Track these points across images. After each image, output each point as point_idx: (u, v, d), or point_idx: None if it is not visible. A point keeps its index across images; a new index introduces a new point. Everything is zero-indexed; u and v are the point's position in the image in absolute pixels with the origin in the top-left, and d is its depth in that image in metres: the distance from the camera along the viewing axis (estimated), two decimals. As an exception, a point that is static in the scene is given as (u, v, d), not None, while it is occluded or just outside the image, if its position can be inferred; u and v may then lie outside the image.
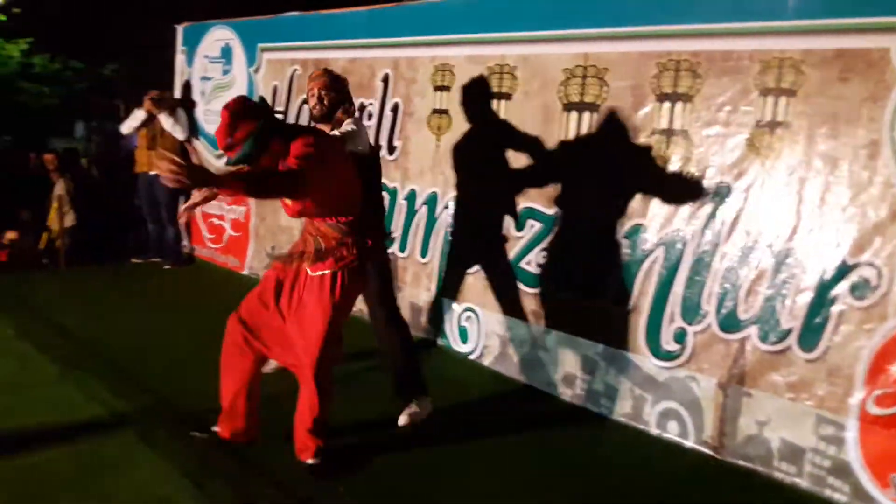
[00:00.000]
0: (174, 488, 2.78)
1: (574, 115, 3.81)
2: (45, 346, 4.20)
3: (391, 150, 4.87)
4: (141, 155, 6.35)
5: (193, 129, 6.57)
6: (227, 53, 6.30)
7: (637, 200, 3.57)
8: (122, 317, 4.97)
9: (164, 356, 4.24)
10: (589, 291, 3.74)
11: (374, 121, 4.98)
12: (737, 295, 3.23)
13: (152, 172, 6.22)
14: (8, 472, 2.83)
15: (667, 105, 3.46)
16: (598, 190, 3.74)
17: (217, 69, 6.39)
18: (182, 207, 3.08)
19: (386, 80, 4.92)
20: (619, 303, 3.61)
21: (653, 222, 3.51)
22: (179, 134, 6.26)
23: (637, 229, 3.56)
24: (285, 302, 3.04)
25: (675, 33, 3.44)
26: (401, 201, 4.80)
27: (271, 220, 5.89)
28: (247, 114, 2.66)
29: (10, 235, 6.44)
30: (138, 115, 6.22)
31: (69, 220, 6.73)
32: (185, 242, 6.75)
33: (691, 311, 3.37)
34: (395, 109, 4.87)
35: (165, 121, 6.17)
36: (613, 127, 3.65)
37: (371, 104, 5.01)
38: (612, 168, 3.69)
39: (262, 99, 3.94)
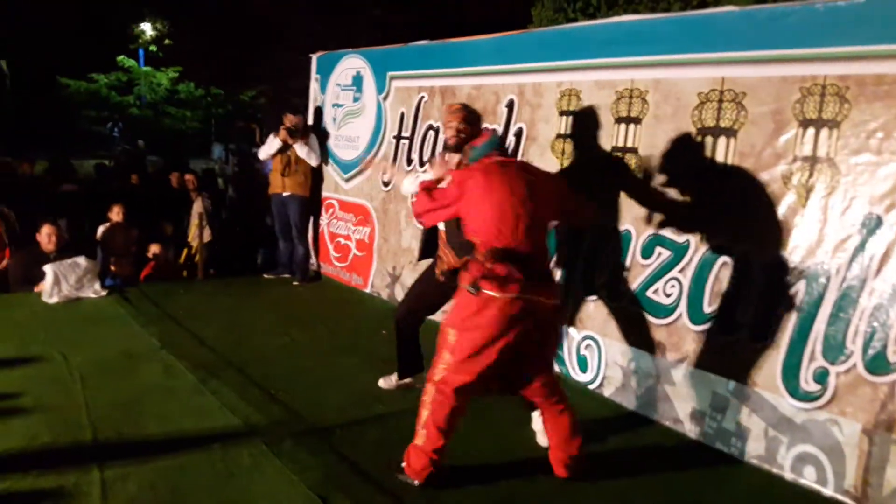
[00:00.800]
0: (299, 499, 2.88)
1: (709, 139, 3.68)
2: (185, 355, 4.49)
3: (514, 174, 4.88)
4: (275, 178, 6.66)
5: (325, 155, 6.88)
6: (357, 81, 6.56)
7: (776, 230, 3.39)
8: (254, 329, 5.25)
9: (293, 368, 4.43)
10: (722, 325, 3.57)
11: (497, 145, 5.01)
12: (886, 335, 2.98)
13: (286, 194, 6.58)
14: (149, 474, 3.03)
15: (811, 131, 3.27)
16: (732, 218, 3.57)
17: (348, 96, 6.67)
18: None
19: (511, 105, 4.95)
20: (754, 338, 3.42)
21: (793, 254, 3.32)
22: (313, 161, 6.60)
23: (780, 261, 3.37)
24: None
25: (820, 56, 3.25)
26: (522, 226, 4.78)
27: (394, 240, 6.04)
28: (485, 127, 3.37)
29: (155, 249, 6.96)
30: (275, 143, 6.54)
31: (207, 236, 7.20)
32: (312, 260, 7.03)
33: (834, 349, 3.14)
34: (518, 134, 4.89)
35: (300, 149, 6.50)
36: (751, 153, 3.49)
37: (495, 129, 5.05)
38: (748, 196, 3.52)
39: None
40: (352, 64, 6.68)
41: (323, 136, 6.93)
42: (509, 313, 2.92)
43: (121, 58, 18.28)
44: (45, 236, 5.87)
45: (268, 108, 17.79)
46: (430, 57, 5.80)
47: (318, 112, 7.12)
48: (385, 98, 6.22)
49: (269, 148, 6.63)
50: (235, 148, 16.65)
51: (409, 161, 5.88)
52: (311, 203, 6.85)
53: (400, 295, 5.95)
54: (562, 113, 4.56)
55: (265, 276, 6.91)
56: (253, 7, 16.87)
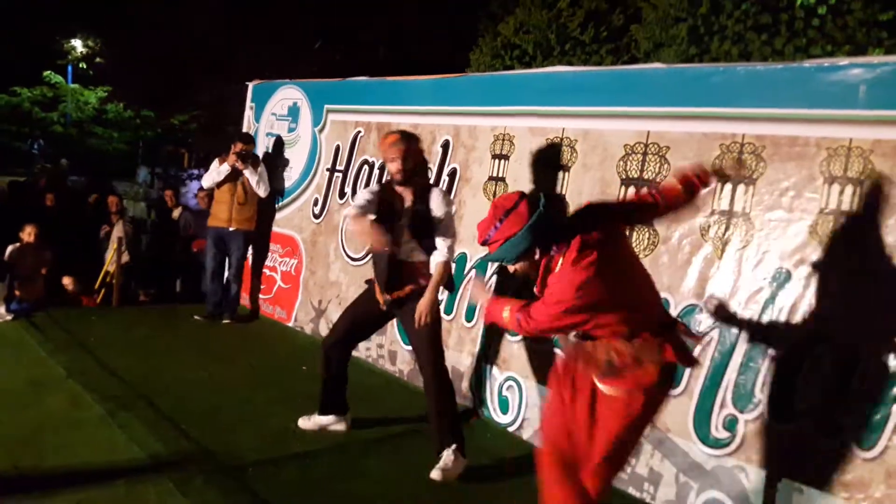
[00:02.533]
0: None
1: (633, 189, 3.80)
2: (94, 386, 4.28)
3: (445, 213, 4.92)
4: (220, 209, 6.25)
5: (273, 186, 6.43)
6: (294, 112, 6.52)
7: (693, 280, 3.51)
8: (169, 360, 5.05)
9: (207, 403, 4.27)
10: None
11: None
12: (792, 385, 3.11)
13: (231, 228, 6.21)
14: (48, 510, 2.85)
15: (728, 186, 3.43)
16: (652, 265, 3.68)
17: (283, 126, 6.61)
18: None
19: (446, 145, 5.00)
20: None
21: (709, 304, 3.44)
22: (262, 191, 6.23)
23: (692, 310, 3.48)
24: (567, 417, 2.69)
25: (740, 116, 3.44)
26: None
27: (321, 274, 5.96)
28: (515, 214, 2.45)
29: (67, 281, 6.56)
30: (222, 170, 6.13)
31: (126, 261, 6.92)
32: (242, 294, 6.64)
33: (744, 398, 3.25)
34: (452, 174, 4.94)
35: (251, 176, 6.15)
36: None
37: (429, 169, 5.09)
38: (668, 245, 3.65)
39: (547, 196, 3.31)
40: (289, 94, 6.64)
41: (270, 165, 6.49)
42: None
43: (47, 73, 17.67)
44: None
45: (199, 134, 17.45)
46: (368, 93, 5.83)
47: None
48: (321, 130, 6.19)
49: (216, 175, 6.17)
50: (162, 172, 16.22)
51: (342, 194, 5.85)
52: (258, 238, 6.46)
53: (324, 330, 5.85)
54: (494, 156, 4.64)
55: (195, 317, 6.29)
56: (190, 32, 16.65)
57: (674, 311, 3.54)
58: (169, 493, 3.08)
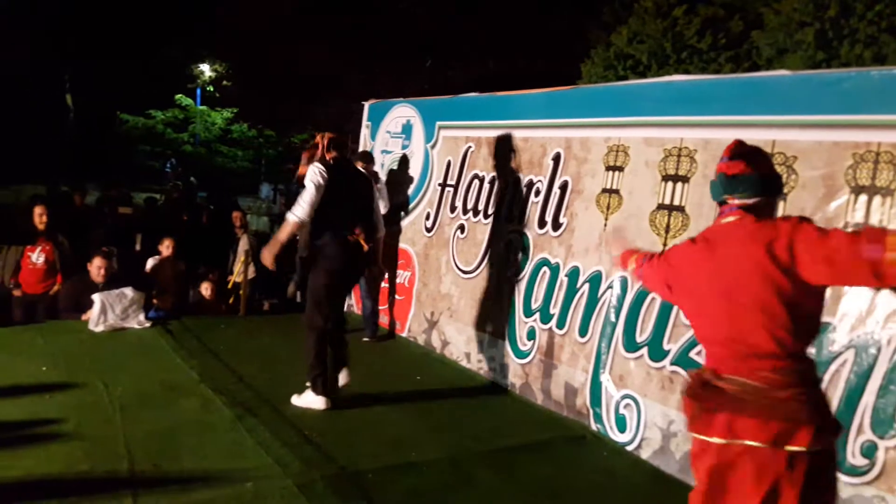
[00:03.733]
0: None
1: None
2: (223, 391, 4.53)
3: (556, 226, 4.90)
4: None
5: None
6: (407, 129, 6.70)
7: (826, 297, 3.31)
8: (292, 368, 5.25)
9: (331, 411, 4.41)
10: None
11: (540, 197, 5.05)
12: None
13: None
14: (180, 508, 3.05)
15: (863, 198, 3.23)
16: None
17: (397, 143, 6.80)
18: None
19: (557, 158, 4.99)
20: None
21: (843, 322, 3.23)
22: (382, 207, 6.12)
23: (825, 329, 3.29)
24: None
25: (874, 123, 3.23)
26: (562, 277, 4.78)
27: (433, 286, 6.07)
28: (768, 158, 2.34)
29: (206, 290, 7.06)
30: None
31: (252, 273, 7.32)
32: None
33: (884, 423, 3.03)
34: (563, 187, 4.91)
35: None
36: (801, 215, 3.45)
37: (540, 181, 5.09)
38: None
39: None
40: (402, 112, 6.83)
41: (394, 181, 6.55)
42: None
43: (178, 96, 18.99)
44: (96, 267, 6.04)
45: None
46: (478, 108, 5.91)
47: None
48: (433, 147, 6.33)
49: None
50: (284, 188, 17.03)
51: (453, 208, 5.94)
52: (386, 255, 6.33)
53: (436, 341, 5.95)
54: (608, 168, 4.58)
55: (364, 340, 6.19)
56: (307, 56, 17.46)
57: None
58: (293, 495, 3.22)
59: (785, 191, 3.52)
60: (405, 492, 3.42)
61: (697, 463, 2.23)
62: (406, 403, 4.65)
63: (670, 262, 2.41)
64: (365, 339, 6.23)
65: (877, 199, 3.20)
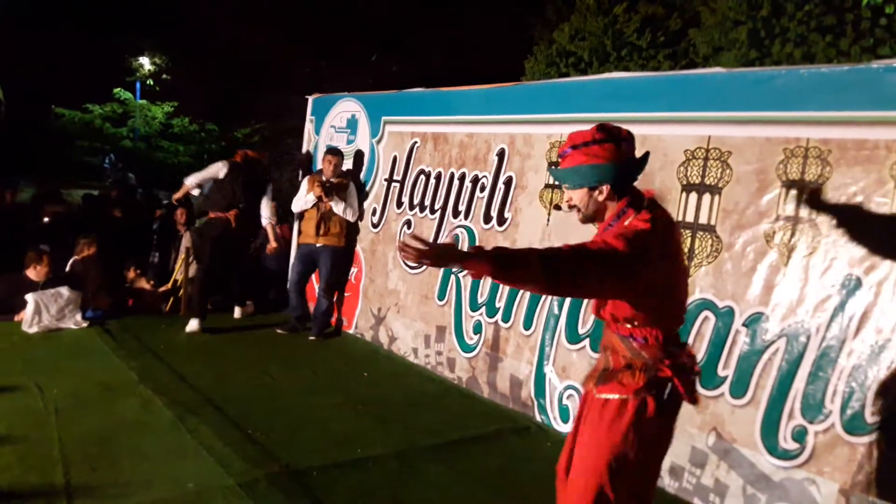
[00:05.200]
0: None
1: (693, 195, 3.75)
2: (164, 391, 4.44)
3: (501, 221, 4.95)
4: (307, 226, 6.28)
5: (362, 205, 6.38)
6: (352, 124, 6.65)
7: (759, 287, 3.44)
8: (235, 367, 5.19)
9: (271, 408, 4.37)
10: (704, 379, 3.58)
11: (486, 193, 5.09)
12: (864, 395, 3.01)
13: (318, 244, 6.19)
14: (122, 510, 2.97)
15: (793, 192, 3.35)
16: (717, 273, 3.62)
17: (342, 138, 6.74)
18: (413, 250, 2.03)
19: (501, 154, 5.03)
20: (734, 395, 3.44)
21: (775, 312, 3.36)
22: (350, 216, 6.20)
23: (758, 318, 3.41)
24: (573, 434, 2.49)
25: (804, 120, 3.36)
26: (508, 273, 4.82)
27: (380, 281, 6.05)
28: (607, 147, 2.26)
29: (140, 283, 6.91)
30: (308, 199, 6.20)
31: (192, 271, 7.15)
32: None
33: (813, 408, 3.16)
34: (507, 183, 4.96)
35: (336, 206, 6.12)
36: (735, 210, 3.57)
37: (485, 177, 5.13)
38: (732, 253, 3.58)
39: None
40: (347, 107, 6.77)
41: (361, 186, 6.40)
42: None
43: (117, 90, 18.43)
44: (34, 267, 5.82)
45: (261, 146, 17.92)
46: (424, 104, 5.91)
47: (311, 153, 7.18)
48: (378, 141, 6.30)
49: (303, 203, 6.29)
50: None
51: (400, 204, 5.93)
52: (345, 254, 6.37)
53: (384, 337, 5.94)
54: (551, 164, 4.64)
55: (278, 330, 6.33)
56: (249, 49, 17.15)
57: (739, 320, 3.48)
58: (236, 495, 3.18)
59: (720, 185, 3.63)
60: (351, 488, 3.41)
61: None
62: (353, 400, 4.63)
63: (650, 244, 2.19)
64: (311, 337, 6.18)
65: (806, 193, 3.32)
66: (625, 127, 2.33)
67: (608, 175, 2.27)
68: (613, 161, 2.26)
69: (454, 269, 5.24)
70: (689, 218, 3.76)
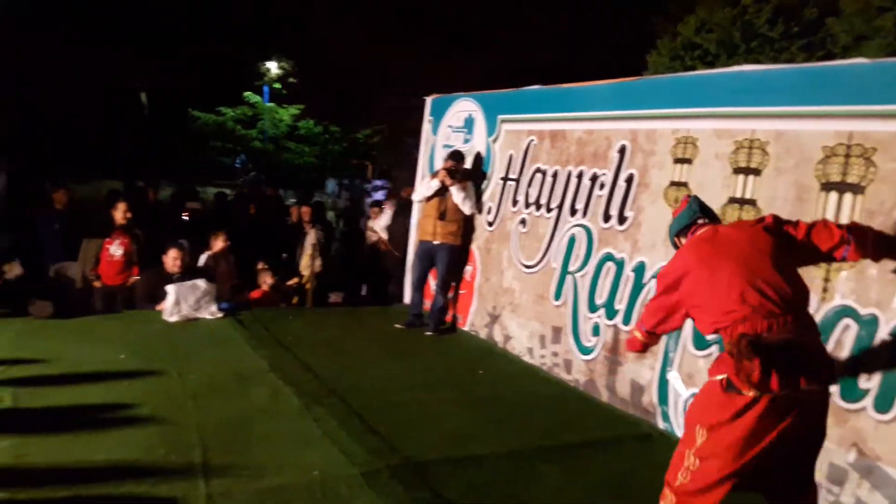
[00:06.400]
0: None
1: (833, 195, 3.51)
2: (291, 381, 4.65)
3: (621, 220, 4.83)
4: (426, 223, 6.34)
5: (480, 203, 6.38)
6: (469, 124, 6.71)
7: (907, 294, 3.17)
8: (356, 359, 5.37)
9: (391, 401, 4.49)
10: (844, 391, 3.35)
11: (605, 190, 4.99)
12: None
13: (436, 242, 6.24)
14: (252, 494, 3.14)
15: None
16: (860, 278, 3.37)
17: (459, 138, 6.81)
18: None
19: (623, 150, 4.91)
20: (879, 409, 3.19)
21: (926, 321, 3.09)
22: (467, 209, 6.20)
23: (906, 327, 3.15)
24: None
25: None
26: (628, 273, 4.71)
27: (495, 280, 6.07)
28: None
29: (268, 279, 7.27)
30: (432, 185, 6.21)
31: (318, 267, 7.48)
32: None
33: None
34: (629, 180, 4.83)
35: (457, 194, 6.13)
36: (880, 210, 3.30)
37: (604, 174, 5.02)
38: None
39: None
40: (464, 107, 6.84)
41: (479, 184, 6.40)
42: (769, 415, 2.53)
43: (247, 93, 19.47)
44: (171, 259, 6.27)
45: (381, 147, 18.42)
46: (541, 101, 5.86)
47: (430, 153, 7.30)
48: (494, 140, 6.31)
49: (426, 190, 6.31)
50: (349, 183, 17.28)
51: (515, 202, 5.92)
52: (462, 252, 6.41)
53: (498, 335, 5.95)
54: (676, 160, 4.48)
55: (396, 325, 6.42)
56: (369, 51, 17.68)
57: (884, 329, 3.22)
58: (358, 484, 3.28)
59: (863, 184, 3.38)
60: (468, 484, 3.44)
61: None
62: (468, 397, 4.67)
63: (669, 279, 2.88)
64: (427, 332, 6.27)
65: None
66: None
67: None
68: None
69: (570, 270, 5.18)
70: (830, 218, 3.52)
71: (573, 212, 5.28)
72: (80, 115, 17.96)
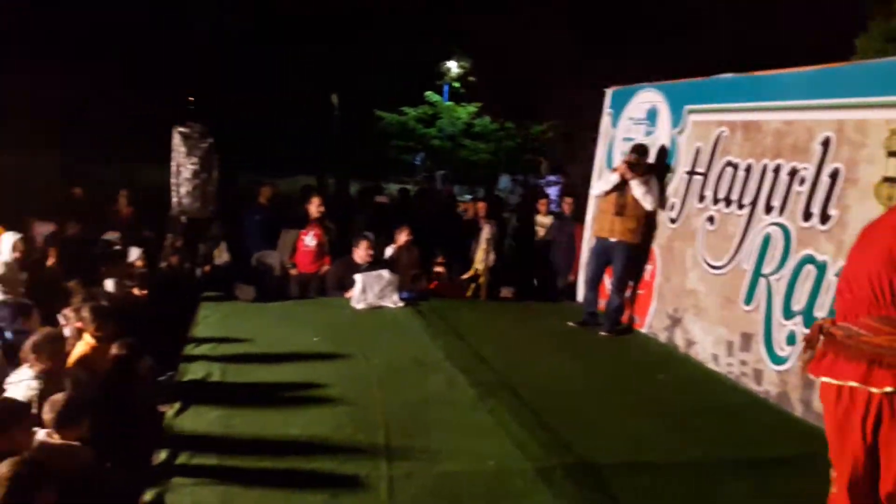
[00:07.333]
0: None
1: None
2: (466, 370, 4.76)
3: (824, 219, 4.42)
4: (603, 220, 6.14)
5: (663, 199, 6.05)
6: (651, 115, 6.45)
7: None
8: (529, 354, 5.40)
9: (564, 399, 4.46)
10: None
11: (806, 186, 4.58)
12: None
13: (613, 239, 6.02)
14: (431, 478, 3.27)
15: None
16: None
17: (640, 130, 6.58)
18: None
19: (826, 143, 4.49)
20: None
21: None
22: (648, 204, 5.91)
23: None
24: None
25: None
26: (831, 277, 4.29)
27: (677, 281, 5.80)
28: None
29: (445, 270, 7.49)
30: (612, 178, 5.99)
31: (492, 261, 7.58)
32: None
33: None
34: (833, 175, 4.41)
35: (637, 188, 5.86)
36: None
37: (805, 168, 4.62)
38: None
39: None
40: (647, 98, 6.59)
41: (663, 178, 6.08)
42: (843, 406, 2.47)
43: (428, 93, 20.15)
44: (363, 250, 6.67)
45: (555, 142, 18.28)
46: (733, 90, 5.51)
47: (609, 146, 7.13)
48: (680, 132, 6.03)
49: (605, 184, 6.10)
50: (522, 179, 17.34)
51: (702, 198, 5.61)
52: (641, 251, 6.11)
53: (679, 339, 5.68)
54: (891, 154, 4.01)
55: (569, 324, 6.26)
56: (544, 46, 17.54)
57: None
58: (532, 480, 3.29)
59: None
60: (644, 491, 3.33)
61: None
62: (647, 402, 4.52)
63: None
64: (602, 333, 6.11)
65: None
66: None
67: None
68: None
69: (763, 272, 4.82)
70: None
71: (768, 209, 4.90)
72: (279, 114, 19.59)
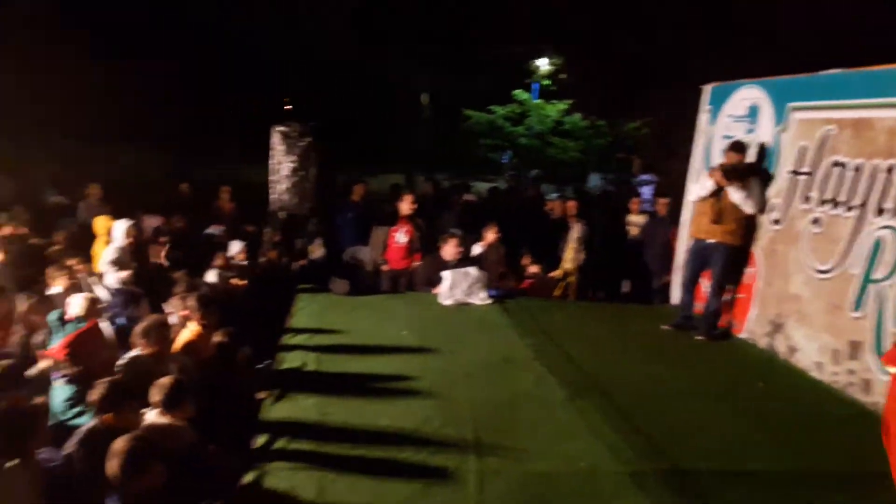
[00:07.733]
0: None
1: None
2: (555, 370, 4.73)
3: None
4: (701, 221, 5.96)
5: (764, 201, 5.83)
6: (752, 113, 6.20)
7: None
8: (619, 356, 5.30)
9: (657, 403, 4.36)
10: None
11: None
12: None
13: (711, 241, 5.85)
14: (520, 476, 3.28)
15: None
16: None
17: (740, 128, 6.33)
18: None
19: (949, 142, 4.19)
20: None
21: None
22: (749, 208, 5.73)
23: None
24: None
25: None
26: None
27: (779, 285, 5.55)
28: None
29: (533, 269, 7.45)
30: (707, 185, 5.84)
31: (581, 260, 7.48)
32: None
33: None
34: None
35: (734, 194, 5.68)
36: None
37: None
38: None
39: None
40: (747, 95, 6.33)
41: (765, 178, 5.85)
42: None
43: (516, 91, 20.08)
44: (452, 247, 6.72)
45: (649, 140, 17.81)
46: (842, 86, 5.22)
47: (707, 144, 6.89)
48: (783, 130, 5.76)
49: (700, 189, 5.96)
50: (614, 178, 17.00)
51: (807, 199, 5.35)
52: (740, 253, 5.90)
53: (781, 346, 5.43)
54: None
55: (663, 327, 6.10)
56: (641, 43, 17.14)
57: None
58: (625, 484, 3.24)
59: None
60: (740, 501, 3.24)
61: None
62: (746, 409, 4.36)
63: None
64: (698, 336, 5.92)
65: None
66: None
67: None
68: None
69: (873, 278, 4.56)
70: None
71: (880, 211, 4.63)
72: (372, 114, 20.05)
